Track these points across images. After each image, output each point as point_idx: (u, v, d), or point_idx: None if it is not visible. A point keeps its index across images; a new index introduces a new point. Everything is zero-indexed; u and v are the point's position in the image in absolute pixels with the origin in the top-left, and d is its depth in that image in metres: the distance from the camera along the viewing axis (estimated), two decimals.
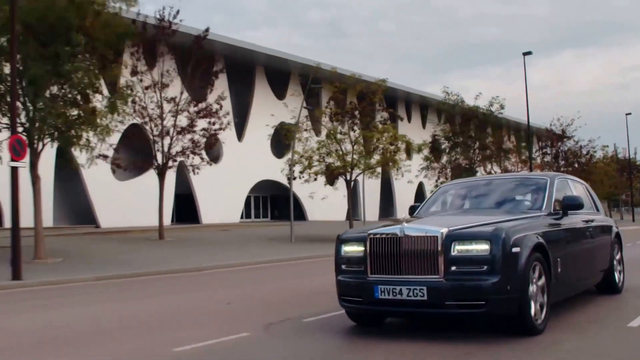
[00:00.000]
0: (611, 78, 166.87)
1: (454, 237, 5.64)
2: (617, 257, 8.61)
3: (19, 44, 14.94)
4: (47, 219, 27.56)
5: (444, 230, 5.67)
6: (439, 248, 5.60)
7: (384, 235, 5.92)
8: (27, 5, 15.55)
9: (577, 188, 8.17)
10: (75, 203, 32.77)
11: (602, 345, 5.58)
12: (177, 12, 23.72)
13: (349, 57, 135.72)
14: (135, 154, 28.61)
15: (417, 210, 7.88)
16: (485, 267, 5.47)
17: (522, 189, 7.58)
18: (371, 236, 5.99)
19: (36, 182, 16.65)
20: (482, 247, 5.53)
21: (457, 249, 5.60)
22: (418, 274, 5.67)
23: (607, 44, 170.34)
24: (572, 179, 8.39)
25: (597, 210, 8.63)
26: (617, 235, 8.76)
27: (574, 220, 7.17)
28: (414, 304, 5.65)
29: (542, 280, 5.96)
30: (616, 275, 8.46)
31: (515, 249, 5.58)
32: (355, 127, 28.22)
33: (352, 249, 6.24)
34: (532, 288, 5.75)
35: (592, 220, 7.77)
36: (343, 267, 6.31)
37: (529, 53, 35.16)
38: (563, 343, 5.57)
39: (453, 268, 5.56)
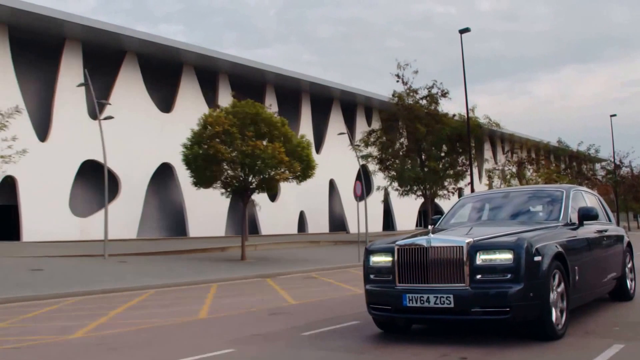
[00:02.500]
0: (612, 93, 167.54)
1: (478, 247, 5.96)
2: (629, 265, 8.94)
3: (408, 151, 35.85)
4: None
5: (469, 241, 6.00)
6: (464, 258, 5.92)
7: (411, 246, 6.25)
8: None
9: (590, 199, 8.48)
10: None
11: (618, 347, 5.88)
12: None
13: (358, 72, 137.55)
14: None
15: (438, 222, 8.21)
16: (509, 275, 5.79)
17: (539, 201, 7.88)
18: (399, 247, 6.31)
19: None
20: (505, 256, 5.85)
21: (482, 258, 5.91)
22: (444, 283, 5.99)
23: (608, 59, 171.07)
24: (586, 190, 8.70)
25: (610, 220, 8.95)
26: (629, 244, 9.08)
27: (589, 230, 7.49)
28: (441, 311, 5.95)
29: (562, 287, 6.27)
30: (628, 282, 8.78)
31: (537, 258, 5.90)
32: (529, 172, 50.03)
33: (381, 259, 6.54)
34: (553, 295, 6.07)
35: (605, 230, 8.10)
36: (372, 276, 6.63)
37: (614, 115, 51.75)
38: (586, 345, 5.86)
39: (478, 276, 5.87)
